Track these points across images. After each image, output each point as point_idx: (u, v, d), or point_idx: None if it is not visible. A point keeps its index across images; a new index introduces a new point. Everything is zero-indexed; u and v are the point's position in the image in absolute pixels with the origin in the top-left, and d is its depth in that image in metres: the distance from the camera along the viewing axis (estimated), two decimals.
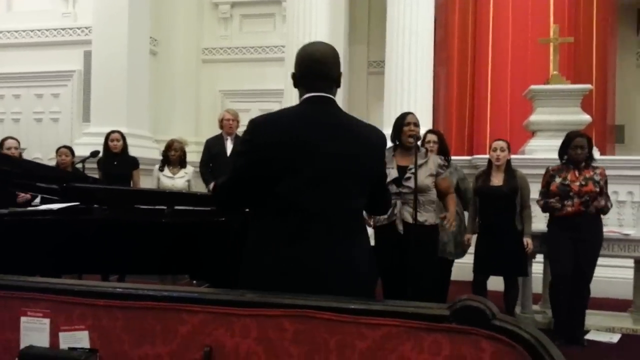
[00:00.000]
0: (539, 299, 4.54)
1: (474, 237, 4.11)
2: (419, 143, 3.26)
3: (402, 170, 3.26)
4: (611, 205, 3.86)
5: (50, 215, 3.15)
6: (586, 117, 5.68)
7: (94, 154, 5.00)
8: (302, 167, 1.59)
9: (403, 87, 5.85)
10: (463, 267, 4.37)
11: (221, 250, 2.77)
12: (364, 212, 1.84)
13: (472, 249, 4.13)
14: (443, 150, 3.94)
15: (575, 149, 3.81)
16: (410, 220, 3.17)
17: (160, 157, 5.28)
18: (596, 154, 4.48)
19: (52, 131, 7.99)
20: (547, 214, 4.07)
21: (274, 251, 1.59)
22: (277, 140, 1.60)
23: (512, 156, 4.26)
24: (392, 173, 3.23)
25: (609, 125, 7.41)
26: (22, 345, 1.33)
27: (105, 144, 5.17)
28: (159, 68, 8.27)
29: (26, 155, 6.22)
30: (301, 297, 1.21)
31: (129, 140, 5.34)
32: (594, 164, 3.90)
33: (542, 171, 4.08)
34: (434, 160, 3.41)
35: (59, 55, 7.89)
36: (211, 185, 5.02)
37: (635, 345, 3.87)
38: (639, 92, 7.87)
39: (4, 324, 1.36)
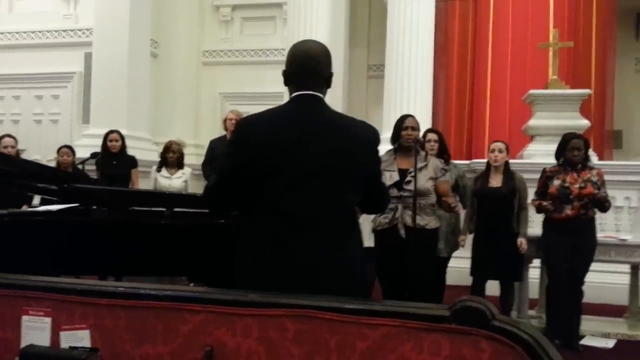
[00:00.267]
0: (535, 304, 4.54)
1: (469, 239, 4.12)
2: (419, 147, 3.27)
3: (402, 173, 3.27)
4: (610, 205, 3.86)
5: (48, 216, 3.16)
6: (585, 122, 5.71)
7: (94, 155, 5.01)
8: (289, 167, 1.57)
9: (403, 87, 5.86)
10: (460, 271, 4.37)
11: (220, 252, 2.77)
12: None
13: (468, 253, 4.13)
14: (443, 149, 3.95)
15: (572, 151, 3.81)
16: (410, 223, 3.17)
17: (159, 159, 5.30)
18: (593, 158, 4.50)
19: (52, 132, 7.99)
20: (544, 218, 4.07)
21: (262, 253, 1.57)
22: (263, 139, 1.58)
23: (511, 160, 4.27)
24: (393, 176, 3.24)
25: (607, 130, 7.44)
26: (22, 344, 1.33)
27: (104, 144, 5.17)
28: (160, 70, 8.28)
29: (25, 157, 6.21)
30: (303, 297, 1.21)
31: (127, 142, 5.35)
32: (590, 165, 3.90)
33: None
34: (434, 163, 3.41)
35: (59, 56, 7.89)
36: None
37: (630, 351, 3.88)
38: (637, 97, 7.89)
39: (4, 323, 1.36)
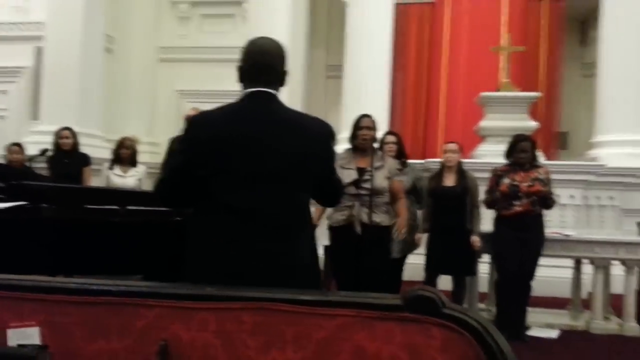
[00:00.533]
0: (484, 298, 4.71)
1: (424, 237, 4.21)
2: (376, 145, 3.34)
3: (360, 171, 3.32)
4: (555, 202, 4.04)
5: None
6: (533, 124, 5.95)
7: (43, 152, 4.83)
8: (238, 164, 1.55)
9: (361, 88, 5.96)
10: (415, 267, 4.47)
11: (175, 250, 2.73)
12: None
13: (422, 249, 4.23)
14: (401, 152, 4.03)
15: (520, 153, 3.99)
16: (366, 221, 3.24)
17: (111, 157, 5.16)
18: (540, 158, 4.69)
19: None
20: (494, 215, 4.22)
21: (212, 248, 1.56)
22: (212, 137, 1.57)
23: (463, 160, 4.41)
24: (351, 174, 3.29)
25: (553, 131, 7.77)
26: None
27: (55, 142, 5.01)
28: (115, 66, 8.06)
29: None
30: (259, 290, 1.22)
31: (79, 139, 5.19)
32: (537, 164, 4.08)
33: None
34: (391, 163, 3.49)
35: (8, 50, 7.56)
36: None
37: (573, 341, 4.10)
38: (582, 100, 8.27)
39: None
